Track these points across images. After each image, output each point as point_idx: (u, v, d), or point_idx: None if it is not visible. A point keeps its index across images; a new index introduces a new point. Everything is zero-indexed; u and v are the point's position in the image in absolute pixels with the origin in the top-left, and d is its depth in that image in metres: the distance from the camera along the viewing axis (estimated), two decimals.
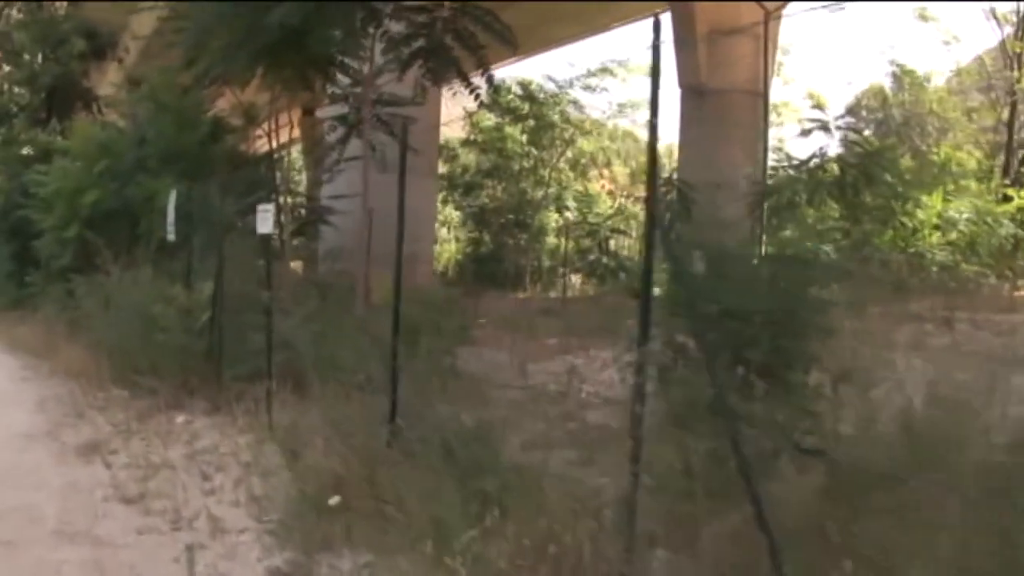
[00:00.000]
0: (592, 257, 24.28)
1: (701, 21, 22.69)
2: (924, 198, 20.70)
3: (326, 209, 14.67)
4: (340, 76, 12.76)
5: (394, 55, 11.33)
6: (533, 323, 14.23)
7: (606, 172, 34.48)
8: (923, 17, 25.71)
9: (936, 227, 20.48)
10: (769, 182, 21.79)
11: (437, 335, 8.54)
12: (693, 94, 23.16)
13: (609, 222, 25.76)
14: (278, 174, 14.63)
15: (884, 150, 20.05)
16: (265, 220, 7.32)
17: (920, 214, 20.40)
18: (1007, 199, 22.32)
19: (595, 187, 33.27)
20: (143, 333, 9.41)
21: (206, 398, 8.65)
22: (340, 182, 14.41)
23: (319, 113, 13.68)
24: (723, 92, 22.75)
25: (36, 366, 11.39)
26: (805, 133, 21.16)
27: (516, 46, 11.35)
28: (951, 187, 21.93)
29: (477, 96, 11.03)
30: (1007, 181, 23.15)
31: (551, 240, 32.17)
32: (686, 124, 23.76)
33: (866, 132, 25.17)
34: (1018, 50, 23.49)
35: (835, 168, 19.31)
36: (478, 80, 12.37)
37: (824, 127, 19.94)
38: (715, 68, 22.80)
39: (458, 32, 10.87)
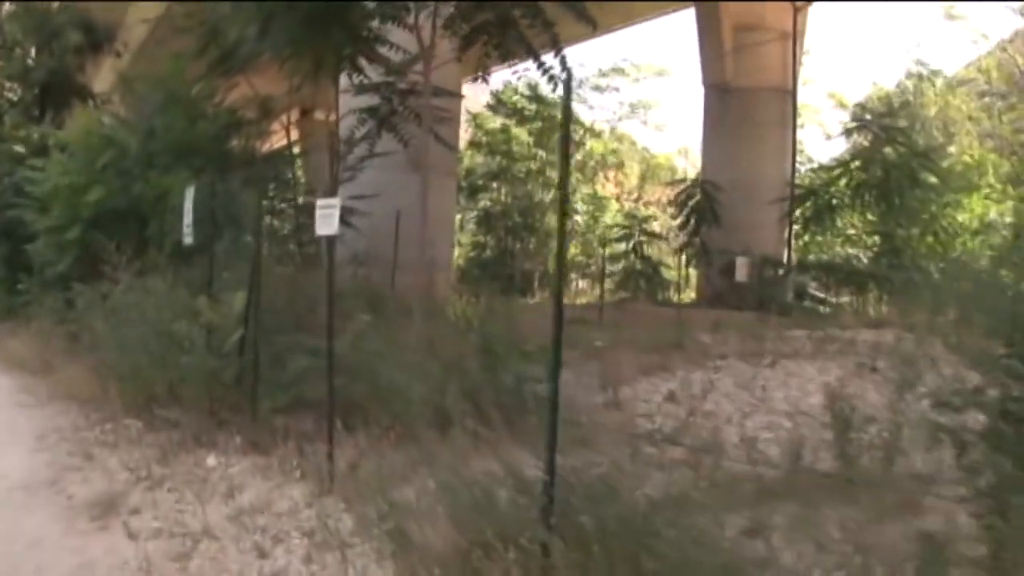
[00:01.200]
0: (623, 264, 22.57)
1: (726, 17, 21.27)
2: (964, 201, 19.39)
3: (347, 210, 13.05)
4: (370, 64, 11.27)
5: (454, 30, 9.77)
6: (577, 336, 12.66)
7: (611, 175, 32.95)
8: (951, 16, 24.40)
9: (976, 232, 19.11)
10: (804, 183, 20.45)
11: (522, 357, 6.98)
12: (717, 93, 21.75)
13: (645, 225, 23.80)
14: (298, 172, 12.97)
15: (929, 151, 18.67)
16: (328, 219, 5.74)
17: (960, 218, 19.03)
18: None
19: (603, 190, 31.74)
20: (160, 353, 7.77)
21: (240, 433, 7.01)
22: (362, 181, 12.87)
23: (350, 104, 12.02)
24: (749, 90, 21.33)
25: (32, 387, 9.69)
26: (847, 132, 19.80)
27: (595, 23, 9.84)
28: (989, 191, 20.64)
29: (551, 79, 9.47)
30: None
31: (554, 245, 30.62)
32: (710, 124, 22.33)
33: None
34: None
35: (877, 170, 17.86)
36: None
37: (866, 126, 18.52)
38: (740, 66, 21.37)
39: (528, 6, 9.35)
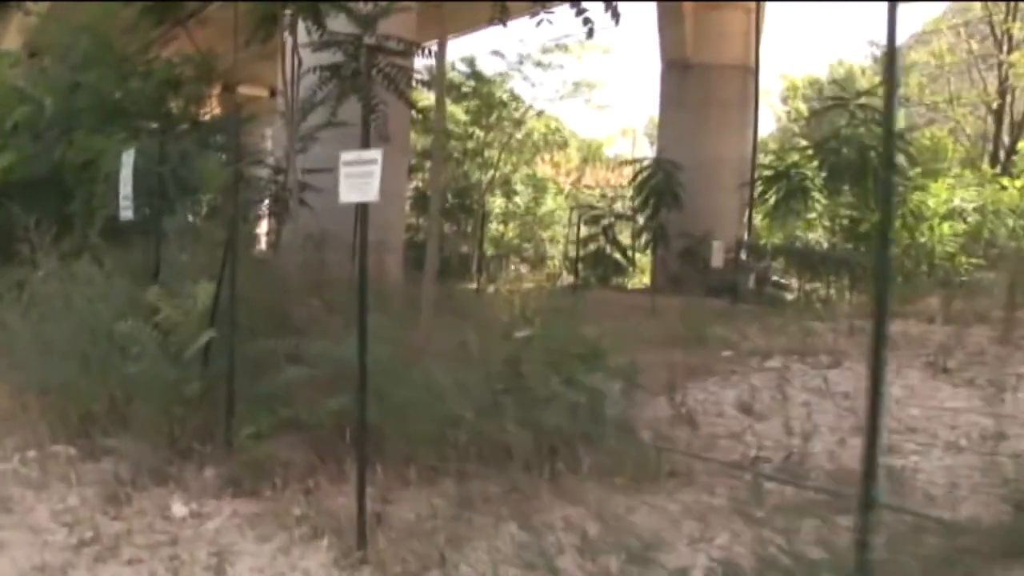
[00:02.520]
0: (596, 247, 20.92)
1: None
2: (932, 186, 18.33)
3: (301, 185, 11.19)
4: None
5: None
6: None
7: (549, 157, 31.29)
8: None
9: (944, 217, 18.08)
10: (774, 165, 19.16)
11: (581, 363, 5.34)
12: (677, 70, 20.34)
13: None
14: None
15: (905, 132, 17.51)
16: (363, 180, 4.04)
17: (931, 202, 17.96)
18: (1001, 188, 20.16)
19: (543, 171, 30.11)
20: (99, 360, 5.92)
21: (212, 466, 5.25)
22: (313, 155, 11.11)
23: (307, 62, 10.16)
24: (710, 68, 19.96)
25: None
26: (821, 112, 18.56)
27: None
28: (955, 176, 19.70)
29: (591, 31, 7.87)
30: (997, 169, 21.04)
31: (494, 227, 29.06)
32: (669, 102, 20.91)
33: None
34: (1006, 27, 21.39)
35: (852, 151, 16.59)
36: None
37: (843, 104, 17.25)
38: (701, 42, 19.98)
39: None
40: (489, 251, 28.70)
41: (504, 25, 9.02)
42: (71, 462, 5.54)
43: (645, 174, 20.29)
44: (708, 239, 19.23)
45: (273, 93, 26.10)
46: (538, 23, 8.83)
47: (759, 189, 18.77)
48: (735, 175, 19.82)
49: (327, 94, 10.24)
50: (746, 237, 20.16)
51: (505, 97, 26.71)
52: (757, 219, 20.90)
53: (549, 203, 28.30)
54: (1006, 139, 21.97)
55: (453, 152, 27.73)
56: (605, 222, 20.38)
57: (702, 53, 19.91)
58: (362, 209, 4.52)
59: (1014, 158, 21.76)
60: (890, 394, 6.68)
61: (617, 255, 20.58)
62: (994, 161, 21.68)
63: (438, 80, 8.35)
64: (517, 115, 27.49)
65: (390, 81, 10.41)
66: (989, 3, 21.89)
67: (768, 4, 20.72)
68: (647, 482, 4.76)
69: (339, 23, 10.02)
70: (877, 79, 21.83)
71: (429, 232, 7.72)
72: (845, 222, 18.13)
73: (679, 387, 6.48)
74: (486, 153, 27.59)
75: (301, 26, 10.19)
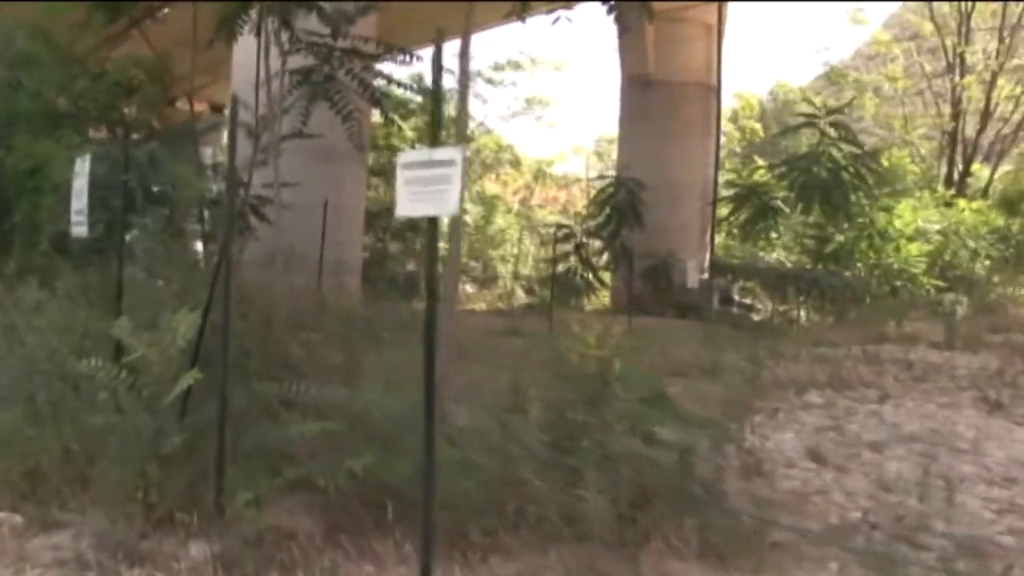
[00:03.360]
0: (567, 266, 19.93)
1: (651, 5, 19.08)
2: (898, 206, 17.88)
3: (260, 200, 10.03)
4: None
5: None
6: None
7: (498, 175, 30.39)
8: (856, 20, 23.07)
9: (911, 238, 17.63)
10: (735, 183, 18.56)
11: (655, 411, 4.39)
12: (638, 86, 19.58)
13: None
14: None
15: (876, 152, 17.00)
16: (440, 192, 3.08)
17: (897, 223, 17.48)
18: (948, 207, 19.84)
19: (492, 189, 29.18)
20: (52, 407, 4.78)
21: (200, 540, 4.15)
22: (273, 168, 9.98)
23: (275, 67, 9.08)
24: (672, 84, 19.25)
25: None
26: (792, 129, 17.98)
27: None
28: (915, 196, 19.32)
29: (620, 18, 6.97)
30: (952, 191, 20.74)
31: (442, 246, 27.92)
32: (630, 119, 20.13)
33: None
34: (959, 50, 21.12)
35: (822, 170, 16.00)
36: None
37: (813, 123, 16.67)
38: (663, 58, 19.26)
39: None
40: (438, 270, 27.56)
41: (523, 21, 8.09)
42: (16, 534, 4.39)
43: (607, 192, 19.51)
44: (671, 258, 18.55)
45: (216, 108, 24.75)
46: (554, 21, 7.94)
47: (728, 208, 18.15)
48: (698, 193, 19.19)
49: (294, 101, 9.20)
50: (708, 256, 19.53)
51: (454, 114, 25.76)
52: (719, 238, 20.34)
53: (499, 222, 27.36)
54: (960, 161, 21.69)
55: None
56: (576, 240, 19.44)
57: (664, 69, 19.21)
58: (430, 226, 3.52)
59: (968, 180, 21.52)
60: (959, 434, 5.87)
61: (588, 275, 19.68)
62: (948, 183, 21.38)
63: (462, 81, 7.33)
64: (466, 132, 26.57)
65: (365, 88, 9.43)
66: (939, 27, 21.63)
67: (727, 22, 20.13)
68: (750, 556, 3.82)
69: (310, 24, 9.03)
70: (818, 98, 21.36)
71: (450, 255, 6.70)
72: (811, 241, 17.59)
73: (730, 430, 5.56)
74: None
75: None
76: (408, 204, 3.24)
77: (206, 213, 8.39)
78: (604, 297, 20.84)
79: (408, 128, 26.84)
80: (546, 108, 25.91)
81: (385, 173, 27.34)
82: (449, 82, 25.47)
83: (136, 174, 5.78)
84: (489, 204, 27.60)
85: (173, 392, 4.42)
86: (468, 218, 27.70)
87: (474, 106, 26.14)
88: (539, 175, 30.04)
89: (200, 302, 4.66)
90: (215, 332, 4.36)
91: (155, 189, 6.36)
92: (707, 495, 4.10)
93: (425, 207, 3.19)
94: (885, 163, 20.31)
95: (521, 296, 24.73)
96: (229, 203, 4.47)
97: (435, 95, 3.48)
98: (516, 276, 27.21)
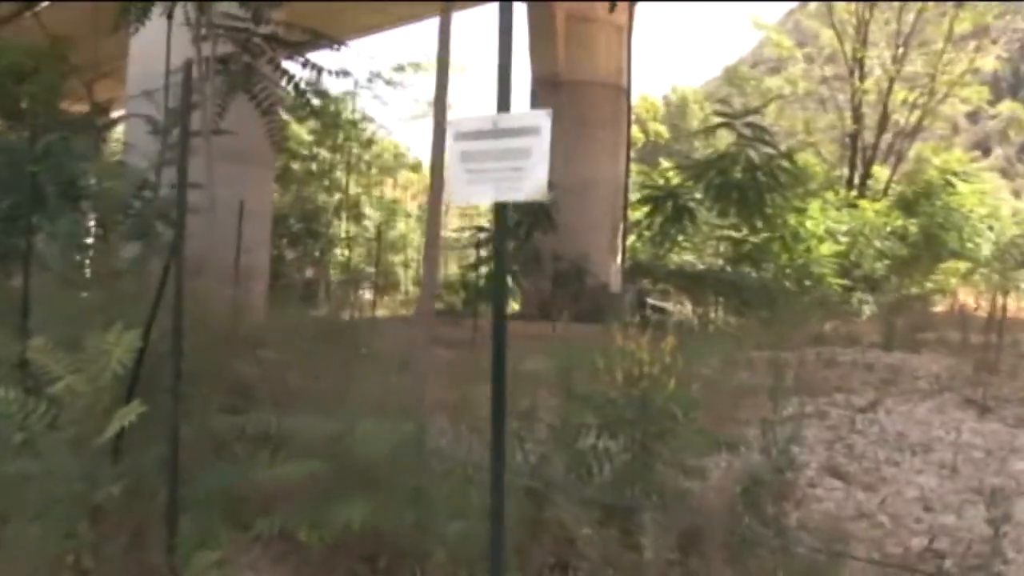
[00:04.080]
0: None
1: (559, 8, 18.62)
2: (810, 207, 17.83)
3: (166, 202, 9.03)
4: None
5: None
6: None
7: (396, 179, 29.44)
8: (758, 25, 23.12)
9: (821, 239, 17.60)
10: (649, 185, 18.17)
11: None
12: (548, 87, 19.03)
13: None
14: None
15: (790, 153, 16.85)
16: (520, 168, 2.41)
17: (808, 224, 17.42)
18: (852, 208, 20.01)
19: (392, 194, 28.23)
20: None
21: None
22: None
23: (188, 54, 8.13)
24: (582, 85, 18.78)
25: None
26: (710, 130, 17.69)
27: None
28: (823, 197, 19.36)
29: None
30: (854, 193, 20.94)
31: (341, 252, 26.90)
32: None
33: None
34: (859, 55, 21.37)
35: (739, 171, 15.76)
36: None
37: (730, 124, 16.42)
38: (573, 59, 18.79)
39: None
40: (336, 276, 26.53)
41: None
42: None
43: None
44: (583, 261, 18.10)
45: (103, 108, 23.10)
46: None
47: (643, 210, 17.77)
48: (609, 195, 18.79)
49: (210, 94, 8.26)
50: (620, 259, 19.15)
51: (353, 116, 24.82)
52: (631, 240, 20.01)
53: (401, 227, 26.46)
54: (860, 164, 21.96)
55: (297, 174, 25.52)
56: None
57: (574, 70, 18.74)
58: (499, 213, 2.78)
59: (869, 182, 21.79)
60: (968, 443, 5.44)
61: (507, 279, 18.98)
62: (850, 185, 21.61)
63: (441, 64, 6.54)
64: (366, 135, 25.63)
65: (289, 79, 8.59)
66: (837, 33, 21.86)
67: (636, 23, 19.81)
68: None
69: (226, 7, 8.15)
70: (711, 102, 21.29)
71: (426, 258, 5.97)
72: (726, 244, 17.37)
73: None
74: (333, 175, 25.51)
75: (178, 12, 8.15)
76: (465, 187, 2.54)
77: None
78: (514, 302, 20.22)
79: (305, 129, 25.76)
80: (449, 111, 25.00)
81: (282, 179, 26.20)
82: (348, 85, 24.71)
83: (46, 166, 4.83)
84: (389, 209, 26.68)
85: (109, 430, 3.55)
86: (368, 223, 26.75)
87: (374, 108, 25.27)
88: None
89: (131, 317, 3.81)
90: (158, 354, 3.54)
91: (73, 184, 5.37)
92: (764, 528, 3.49)
93: (493, 190, 2.48)
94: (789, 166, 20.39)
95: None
96: (180, 203, 3.65)
97: (503, 48, 2.75)
98: (418, 282, 26.37)
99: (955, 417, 6.05)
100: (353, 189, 26.06)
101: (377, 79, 24.48)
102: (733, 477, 3.69)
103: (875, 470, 4.86)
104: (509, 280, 19.70)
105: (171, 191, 8.84)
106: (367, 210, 26.16)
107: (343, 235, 26.31)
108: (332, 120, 25.08)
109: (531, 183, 2.47)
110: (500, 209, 2.71)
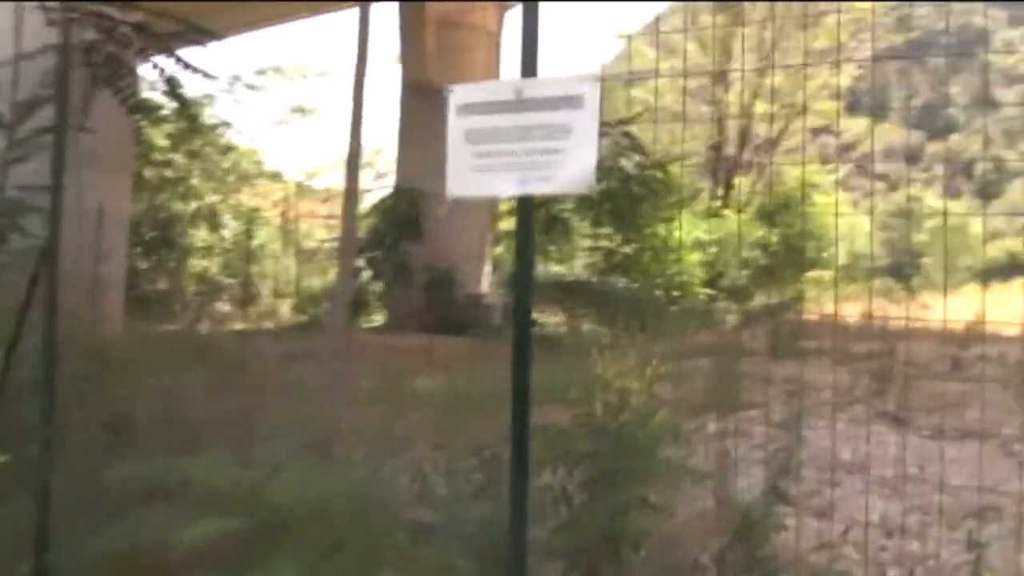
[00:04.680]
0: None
1: (431, 13, 18.27)
2: (680, 217, 18.02)
3: (15, 204, 8.18)
4: None
5: None
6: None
7: (255, 187, 28.34)
8: (620, 35, 23.33)
9: (691, 249, 17.84)
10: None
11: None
12: (418, 93, 18.62)
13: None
14: None
15: (662, 162, 16.95)
16: (555, 151, 2.04)
17: (678, 234, 17.58)
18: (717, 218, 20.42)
19: (251, 202, 27.15)
20: None
21: None
22: (28, 169, 8.18)
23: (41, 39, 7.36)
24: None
25: None
26: None
27: None
28: (690, 207, 19.65)
29: None
30: (719, 203, 21.41)
31: (197, 262, 25.69)
32: (409, 127, 19.15)
33: None
34: (722, 69, 21.78)
35: (613, 180, 15.76)
36: None
37: (606, 133, 16.38)
38: (445, 65, 18.46)
39: None
40: (192, 288, 25.31)
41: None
42: None
43: (385, 203, 18.44)
44: (453, 272, 17.82)
45: None
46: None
47: (515, 220, 17.58)
48: (480, 205, 18.50)
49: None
50: (489, 269, 18.94)
51: (212, 121, 23.76)
52: (499, 250, 19.80)
53: (262, 236, 25.49)
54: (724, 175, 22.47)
55: (151, 179, 24.21)
56: (370, 255, 18.09)
57: (445, 77, 18.36)
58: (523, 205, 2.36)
59: (732, 193, 22.28)
60: (899, 457, 5.33)
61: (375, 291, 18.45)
62: (714, 196, 22.05)
63: (361, 46, 6.00)
64: (224, 141, 24.60)
65: (161, 73, 7.87)
66: (703, 44, 22.25)
67: (507, 30, 19.67)
68: None
69: None
70: None
71: (341, 267, 5.50)
72: (598, 254, 17.37)
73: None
74: (189, 182, 24.33)
75: None
76: (471, 176, 2.13)
77: None
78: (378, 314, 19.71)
79: (160, 134, 24.48)
80: (311, 117, 24.35)
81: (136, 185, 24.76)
82: (207, 87, 23.69)
83: None
84: (248, 218, 25.66)
85: None
86: (226, 233, 25.65)
87: (234, 113, 24.28)
88: (301, 187, 28.39)
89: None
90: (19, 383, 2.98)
91: None
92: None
93: (515, 180, 2.08)
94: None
95: (286, 315, 23.09)
96: (55, 206, 3.13)
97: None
98: (278, 293, 25.53)
99: (876, 431, 5.97)
100: (211, 197, 24.94)
101: (237, 82, 23.45)
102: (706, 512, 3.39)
103: (818, 492, 4.69)
104: (376, 291, 19.22)
105: (19, 193, 8.06)
106: (225, 219, 25.05)
107: (200, 245, 25.18)
108: (190, 123, 23.95)
109: (572, 171, 2.06)
110: (524, 205, 2.30)
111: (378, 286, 18.56)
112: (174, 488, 3.02)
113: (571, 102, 2.09)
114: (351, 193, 5.51)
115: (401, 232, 17.92)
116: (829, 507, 4.37)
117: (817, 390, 7.38)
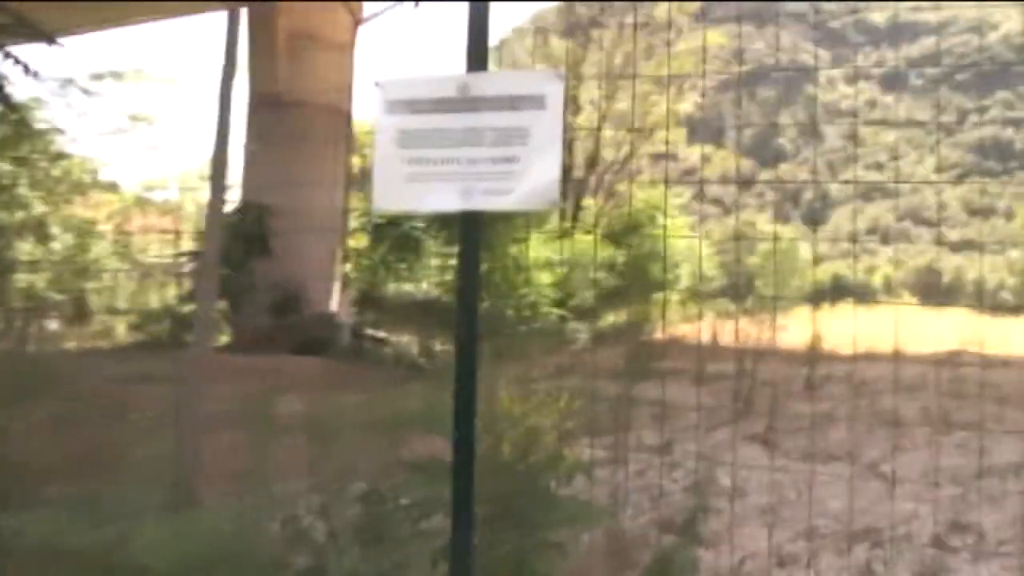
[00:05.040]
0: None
1: (282, 23, 17.81)
2: (532, 237, 18.14)
3: None
4: None
5: None
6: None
7: (88, 198, 26.86)
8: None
9: (542, 268, 18.01)
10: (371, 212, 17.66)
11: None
12: (267, 106, 18.09)
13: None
14: None
15: None
16: (517, 167, 1.83)
17: (530, 254, 17.74)
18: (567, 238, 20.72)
19: (85, 214, 25.70)
20: None
21: None
22: None
23: None
24: (304, 106, 18.05)
25: None
26: None
27: None
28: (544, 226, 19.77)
29: None
30: (569, 224, 21.73)
31: (22, 277, 24.13)
32: (257, 139, 18.51)
33: None
34: (571, 92, 22.21)
35: None
36: None
37: None
38: (296, 79, 18.03)
39: None
40: (18, 303, 23.71)
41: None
42: None
43: (231, 218, 17.77)
44: (301, 291, 17.37)
45: None
46: None
47: (365, 238, 17.33)
48: (329, 222, 18.12)
49: None
50: (340, 288, 18.57)
51: (42, 126, 22.34)
52: (349, 267, 19.44)
53: (96, 250, 24.18)
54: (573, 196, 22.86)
55: None
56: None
57: (296, 89, 17.97)
58: None
59: (581, 215, 22.69)
60: (776, 482, 5.42)
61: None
62: (563, 217, 22.35)
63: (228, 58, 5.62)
64: (55, 148, 23.17)
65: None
66: (552, 67, 22.64)
67: (358, 47, 19.41)
68: None
69: None
70: None
71: (203, 287, 5.17)
72: (449, 273, 17.27)
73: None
74: (15, 191, 22.81)
75: None
76: (403, 187, 1.92)
77: None
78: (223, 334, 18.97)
79: None
80: (149, 125, 23.22)
81: None
82: (36, 89, 22.38)
83: None
84: (81, 231, 24.31)
85: None
86: (56, 246, 24.22)
87: (67, 120, 22.98)
88: (139, 200, 27.08)
89: None
90: None
91: None
92: None
93: (458, 192, 1.88)
94: None
95: (123, 334, 21.94)
96: None
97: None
98: (113, 311, 24.24)
99: (749, 455, 6.07)
100: (39, 207, 23.45)
101: (70, 86, 22.12)
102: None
103: (703, 521, 4.68)
104: (220, 310, 18.49)
105: None
106: (55, 231, 23.62)
107: (26, 258, 23.65)
108: (17, 128, 22.52)
109: (531, 183, 1.84)
110: (468, 222, 2.10)
111: (223, 304, 17.86)
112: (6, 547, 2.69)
113: (531, 102, 1.89)
114: (215, 206, 5.22)
115: (247, 249, 17.31)
116: (716, 536, 4.39)
117: (684, 412, 7.47)
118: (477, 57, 1.98)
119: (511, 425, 3.51)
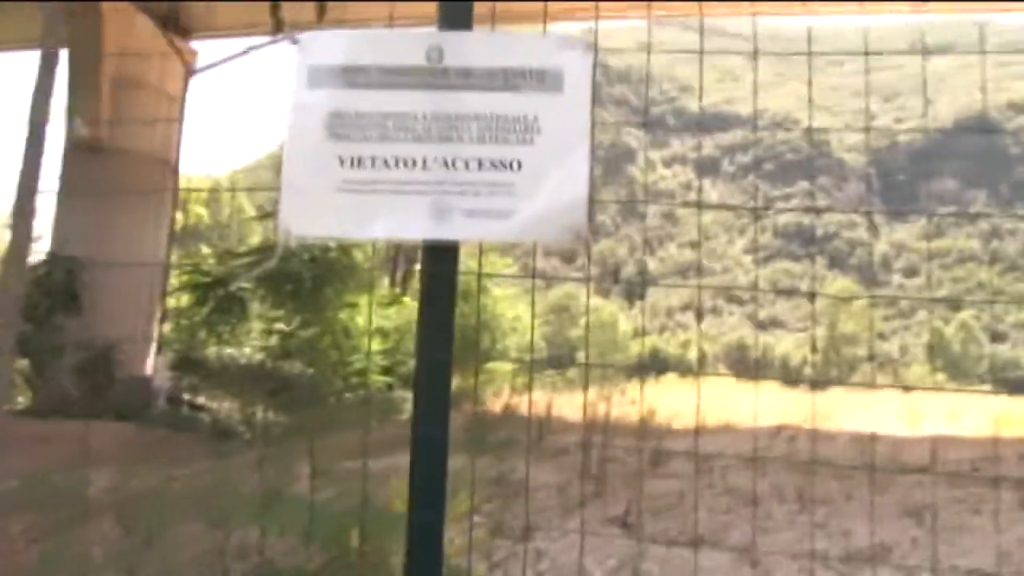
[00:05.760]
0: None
1: (107, 68, 16.88)
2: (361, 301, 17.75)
3: None
4: None
5: None
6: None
7: None
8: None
9: (374, 334, 17.59)
10: (199, 269, 16.76)
11: None
12: (86, 152, 16.99)
13: None
14: None
15: (346, 245, 16.58)
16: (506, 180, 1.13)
17: (359, 320, 17.33)
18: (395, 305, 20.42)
19: None
20: None
21: None
22: None
23: None
24: (126, 154, 17.07)
25: None
26: (265, 216, 16.71)
27: None
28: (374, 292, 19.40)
29: None
30: (398, 290, 21.43)
31: None
32: (71, 189, 17.38)
33: None
34: None
35: (295, 260, 15.20)
36: None
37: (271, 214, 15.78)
38: (118, 125, 17.08)
39: None
40: None
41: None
42: None
43: (39, 271, 16.50)
44: (113, 351, 16.24)
45: None
46: None
47: (185, 297, 16.43)
48: (147, 278, 17.11)
49: None
50: (156, 349, 17.54)
51: None
52: (168, 329, 18.41)
53: None
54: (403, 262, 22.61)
55: None
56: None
57: (118, 138, 17.03)
58: None
59: (410, 281, 22.45)
60: (644, 571, 5.21)
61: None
62: (392, 282, 22.08)
63: (40, 100, 5.00)
64: None
65: None
66: None
67: (188, 96, 18.69)
68: None
69: None
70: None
71: None
72: (274, 337, 16.59)
73: None
74: None
75: None
76: (332, 199, 1.20)
77: None
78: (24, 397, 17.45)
79: None
80: None
81: None
82: None
83: None
84: None
85: None
86: None
87: None
88: None
89: None
90: None
91: None
92: None
93: (420, 214, 1.17)
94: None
95: None
96: None
97: None
98: None
99: (613, 541, 5.82)
100: None
101: None
102: None
103: None
104: (21, 369, 17.05)
105: None
106: None
107: None
108: None
109: (544, 203, 1.17)
110: (438, 258, 1.41)
111: (23, 364, 16.46)
112: None
113: (541, 79, 1.26)
114: (16, 255, 4.68)
115: (55, 303, 16.09)
116: None
117: (542, 492, 7.23)
118: (456, 11, 1.37)
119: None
